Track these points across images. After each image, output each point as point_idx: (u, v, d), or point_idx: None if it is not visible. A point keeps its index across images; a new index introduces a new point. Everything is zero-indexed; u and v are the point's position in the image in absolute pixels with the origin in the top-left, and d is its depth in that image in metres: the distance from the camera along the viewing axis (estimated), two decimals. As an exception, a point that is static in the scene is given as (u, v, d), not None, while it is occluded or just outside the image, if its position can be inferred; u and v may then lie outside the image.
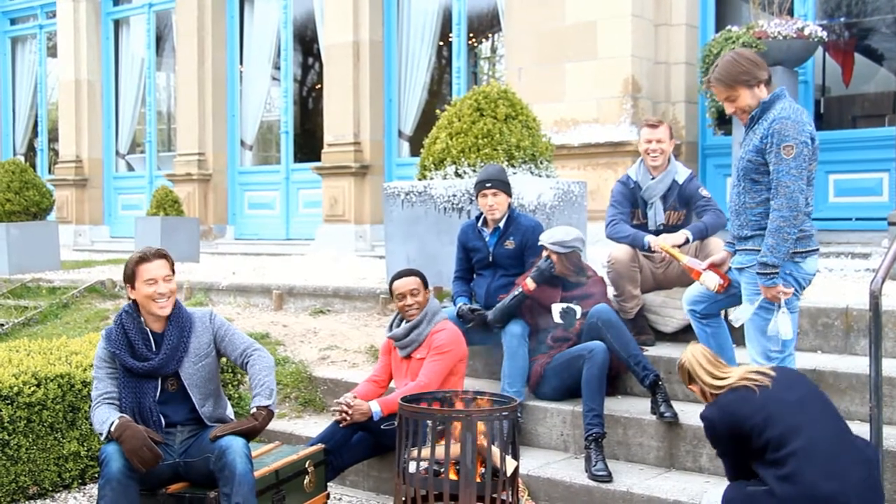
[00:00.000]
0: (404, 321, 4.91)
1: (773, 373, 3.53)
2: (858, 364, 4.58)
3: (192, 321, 4.11)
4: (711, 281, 4.20)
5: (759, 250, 3.90)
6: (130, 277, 4.03)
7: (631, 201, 5.51)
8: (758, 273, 3.84)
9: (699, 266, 4.29)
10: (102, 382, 4.00)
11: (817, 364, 4.66)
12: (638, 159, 5.60)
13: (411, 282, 4.85)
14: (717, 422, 3.50)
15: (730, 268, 4.18)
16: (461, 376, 4.84)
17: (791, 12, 8.56)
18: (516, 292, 5.02)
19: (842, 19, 10.27)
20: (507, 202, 5.42)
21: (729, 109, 4.04)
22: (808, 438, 3.30)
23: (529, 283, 4.99)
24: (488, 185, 5.34)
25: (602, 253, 6.86)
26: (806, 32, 7.96)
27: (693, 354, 3.68)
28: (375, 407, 4.63)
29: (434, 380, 4.61)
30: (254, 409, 3.95)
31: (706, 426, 3.58)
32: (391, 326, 4.98)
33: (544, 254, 5.05)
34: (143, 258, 4.03)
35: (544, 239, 5.08)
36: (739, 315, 3.98)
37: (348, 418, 4.59)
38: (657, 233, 5.35)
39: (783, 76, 8.01)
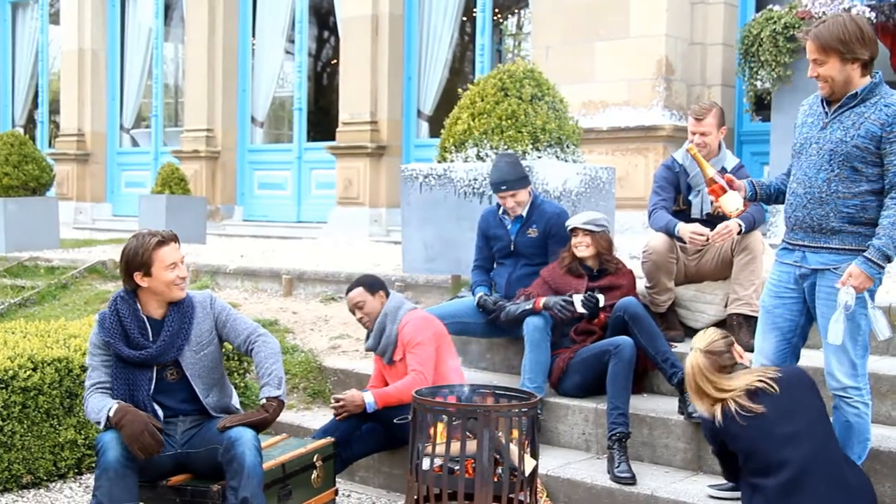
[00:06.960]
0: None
1: (776, 388, 3.53)
2: (900, 366, 4.42)
3: (194, 306, 3.98)
4: (733, 203, 3.86)
5: (845, 249, 3.64)
6: (145, 264, 3.84)
7: (674, 186, 5.31)
8: (871, 262, 3.52)
9: (724, 183, 3.88)
10: (97, 371, 3.91)
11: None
12: (686, 142, 5.36)
13: (354, 295, 4.75)
14: (709, 429, 3.68)
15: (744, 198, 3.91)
16: (452, 355, 4.71)
17: (837, -8, 8.32)
18: (527, 306, 4.87)
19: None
20: (528, 195, 5.26)
21: (811, 72, 3.67)
22: (793, 474, 3.40)
23: (541, 304, 4.85)
24: (503, 187, 5.18)
25: (631, 243, 6.75)
26: (852, 13, 7.69)
27: (697, 364, 3.66)
28: (369, 398, 4.56)
29: (426, 368, 4.52)
30: (263, 401, 3.86)
31: (703, 425, 3.79)
32: (367, 337, 4.84)
33: (572, 241, 4.95)
34: (162, 241, 3.87)
35: (574, 222, 4.98)
36: (836, 332, 3.59)
37: (343, 412, 4.58)
38: (701, 222, 5.13)
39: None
